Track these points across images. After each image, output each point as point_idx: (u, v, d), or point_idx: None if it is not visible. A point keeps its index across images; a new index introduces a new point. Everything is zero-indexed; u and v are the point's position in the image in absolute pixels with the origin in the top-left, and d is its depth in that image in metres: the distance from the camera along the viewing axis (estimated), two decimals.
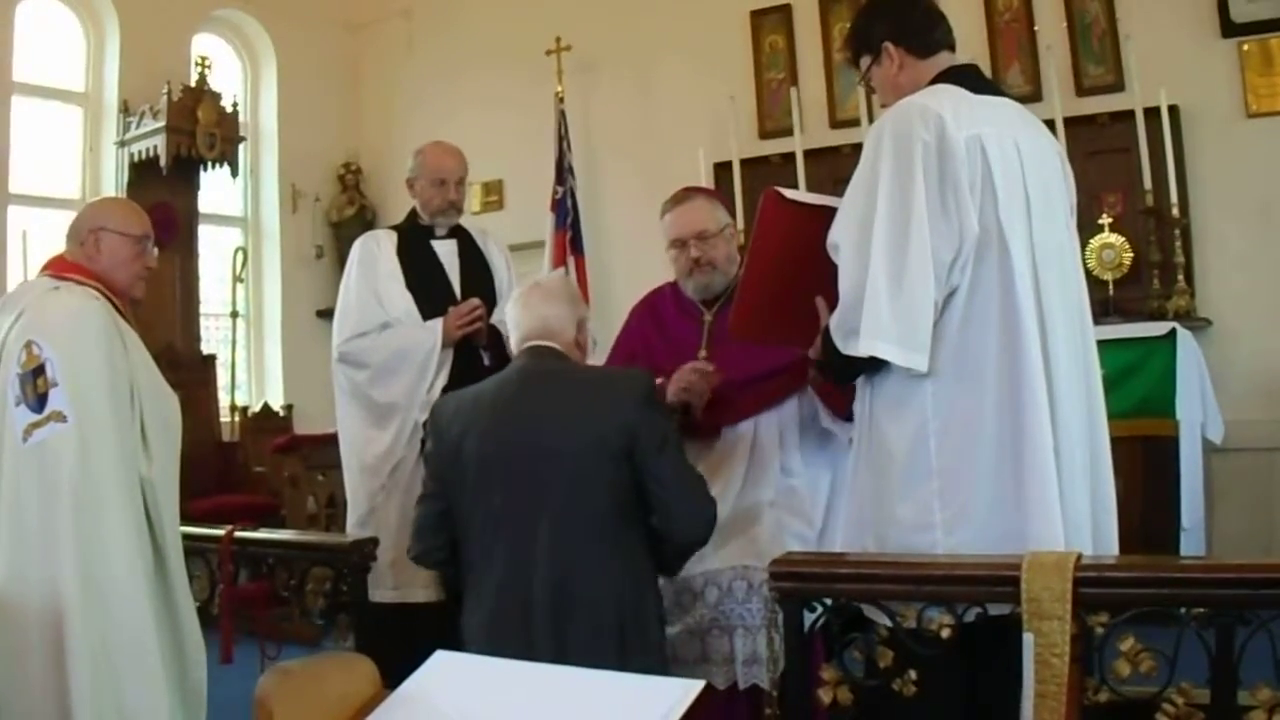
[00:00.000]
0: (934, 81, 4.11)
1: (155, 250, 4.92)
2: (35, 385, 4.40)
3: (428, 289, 6.10)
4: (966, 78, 4.17)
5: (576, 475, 4.10)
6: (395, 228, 6.46)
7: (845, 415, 4.61)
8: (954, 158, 3.82)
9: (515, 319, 4.50)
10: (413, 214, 6.37)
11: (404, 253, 6.20)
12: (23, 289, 4.84)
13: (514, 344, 4.51)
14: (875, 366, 3.92)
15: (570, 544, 4.14)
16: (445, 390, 5.67)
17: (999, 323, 3.86)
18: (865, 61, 4.31)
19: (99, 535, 4.34)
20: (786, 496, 4.89)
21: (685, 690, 1.91)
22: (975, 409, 3.86)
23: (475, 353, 5.99)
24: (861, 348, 3.79)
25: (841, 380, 4.22)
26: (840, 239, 3.95)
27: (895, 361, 3.80)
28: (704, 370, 4.84)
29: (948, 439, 3.85)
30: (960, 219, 3.82)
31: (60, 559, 4.30)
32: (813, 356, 4.23)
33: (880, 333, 3.76)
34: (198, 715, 4.64)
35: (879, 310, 3.76)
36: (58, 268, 4.74)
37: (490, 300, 6.04)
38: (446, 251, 6.26)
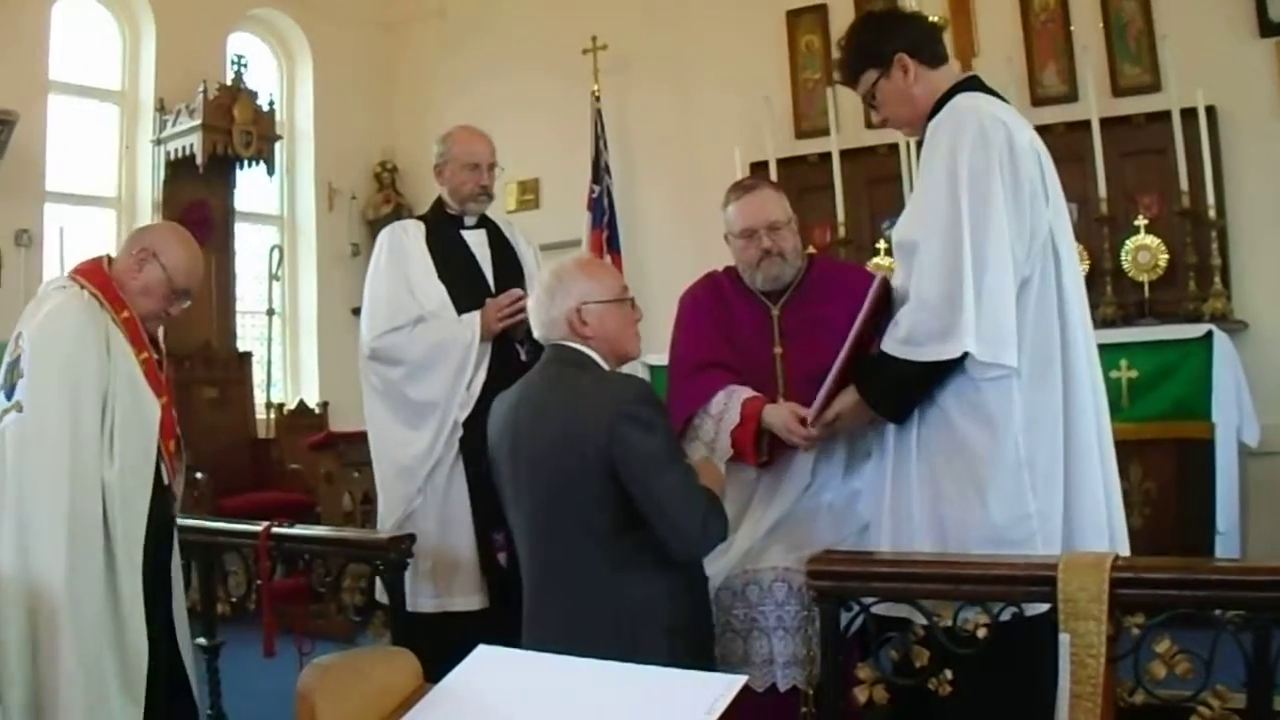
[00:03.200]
0: (953, 90, 4.17)
1: (187, 304, 4.95)
2: (11, 375, 4.57)
3: (461, 280, 5.91)
4: (984, 87, 4.24)
5: (562, 485, 4.03)
6: (421, 218, 6.28)
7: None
8: (1022, 160, 3.93)
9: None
10: (438, 204, 6.20)
11: (434, 243, 6.01)
12: (44, 285, 4.95)
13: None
14: (945, 372, 3.95)
15: (556, 553, 4.12)
16: (483, 386, 5.60)
17: (1057, 320, 3.97)
18: (871, 76, 4.33)
19: (30, 525, 4.44)
20: (849, 499, 4.81)
21: (727, 685, 1.91)
22: (1051, 402, 3.96)
23: (511, 347, 5.80)
24: (960, 347, 3.82)
25: (901, 405, 4.13)
26: (918, 237, 3.98)
27: (988, 360, 3.85)
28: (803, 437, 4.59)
29: (1031, 432, 3.92)
30: (1032, 219, 3.92)
31: (2, 543, 4.46)
32: (843, 406, 4.24)
33: (972, 331, 3.81)
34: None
35: (967, 310, 3.81)
36: (79, 269, 4.83)
37: (524, 290, 5.75)
38: (477, 241, 6.09)
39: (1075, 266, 4.13)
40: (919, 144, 6.96)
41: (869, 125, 10.57)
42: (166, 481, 4.85)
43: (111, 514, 4.53)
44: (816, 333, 4.80)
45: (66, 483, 4.44)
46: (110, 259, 4.86)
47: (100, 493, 4.51)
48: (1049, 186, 4.03)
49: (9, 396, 4.55)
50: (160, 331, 4.96)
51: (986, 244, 3.82)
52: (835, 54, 4.57)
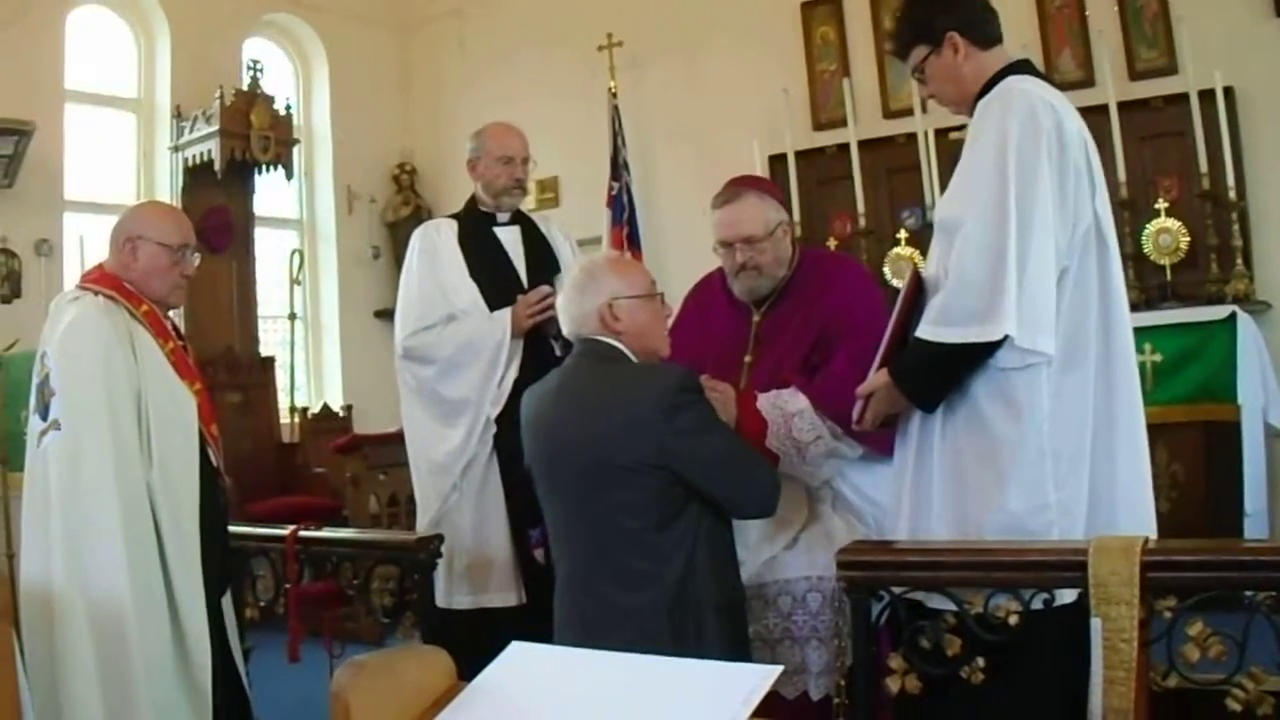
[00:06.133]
0: (1002, 73, 4.16)
1: (196, 258, 4.96)
2: (43, 394, 4.57)
3: (493, 278, 5.95)
4: (1035, 71, 4.23)
5: (606, 476, 4.02)
6: (455, 216, 6.28)
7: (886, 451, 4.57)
8: (1070, 147, 3.93)
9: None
10: (472, 201, 6.22)
11: (466, 241, 6.04)
12: (55, 301, 4.93)
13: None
14: (980, 357, 3.93)
15: (601, 544, 4.11)
16: (517, 383, 5.59)
17: (1098, 309, 3.97)
18: (921, 51, 4.31)
19: (84, 542, 4.43)
20: (862, 497, 4.84)
21: (763, 676, 1.91)
22: (1081, 393, 3.94)
23: (546, 343, 5.82)
24: (1001, 329, 3.81)
25: (933, 390, 4.10)
26: (963, 216, 3.98)
27: (1026, 345, 3.84)
28: (723, 395, 4.64)
29: (1058, 422, 3.90)
30: (1075, 208, 3.92)
31: (52, 562, 4.46)
32: (875, 385, 4.21)
33: (1014, 315, 3.80)
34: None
35: (1009, 293, 3.80)
36: (88, 277, 4.87)
37: (558, 286, 5.65)
38: (510, 238, 6.10)
39: (1118, 255, 4.12)
40: (938, 132, 6.92)
41: (886, 115, 10.58)
42: (216, 463, 4.89)
43: (160, 516, 4.54)
44: (781, 339, 4.88)
45: (116, 494, 4.45)
46: (102, 264, 4.90)
47: (148, 497, 4.53)
48: (1095, 175, 4.02)
49: (44, 416, 4.55)
50: (180, 320, 4.97)
51: (1031, 229, 3.81)
52: (890, 24, 4.56)
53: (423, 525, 5.88)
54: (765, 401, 4.69)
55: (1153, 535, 3.80)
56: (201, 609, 4.62)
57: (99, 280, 4.76)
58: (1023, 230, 3.82)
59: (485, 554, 5.75)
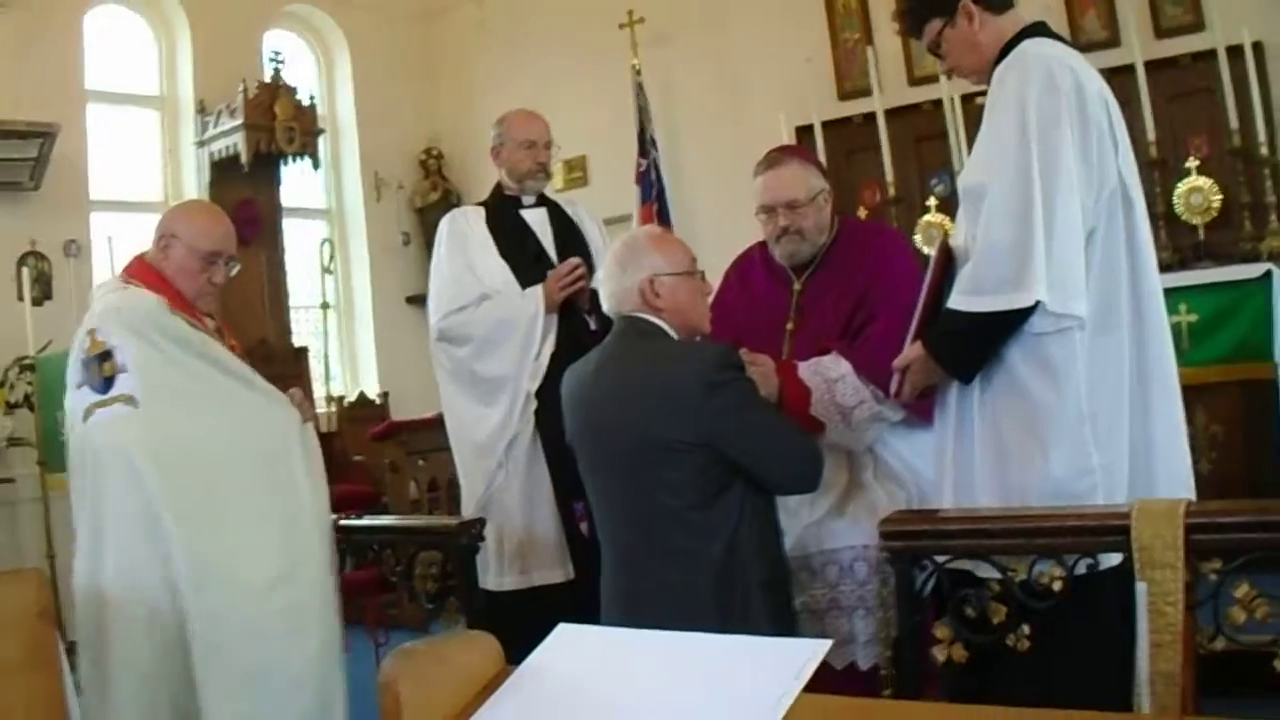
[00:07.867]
0: (1019, 36, 4.14)
1: (233, 267, 4.86)
2: (101, 369, 4.41)
3: (524, 256, 5.95)
4: (1051, 33, 4.21)
5: (649, 454, 4.03)
6: (482, 204, 6.31)
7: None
8: (1091, 108, 3.92)
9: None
10: (498, 188, 6.24)
11: (494, 225, 6.06)
12: (97, 289, 4.93)
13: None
14: (1014, 324, 3.93)
15: (645, 523, 4.12)
16: (553, 357, 5.64)
17: (1127, 269, 3.96)
18: (936, 24, 4.30)
19: (226, 514, 4.41)
20: (901, 464, 4.85)
21: (814, 650, 1.90)
22: (1116, 354, 3.94)
23: (580, 317, 5.85)
24: (1032, 296, 3.82)
25: (969, 360, 4.10)
26: (987, 184, 3.99)
27: (1059, 310, 3.84)
28: (764, 368, 4.65)
29: (1095, 385, 3.91)
30: (1100, 168, 3.91)
31: (165, 546, 4.29)
32: (910, 358, 4.21)
33: (1044, 279, 3.81)
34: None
35: (1038, 257, 3.80)
36: (130, 270, 4.81)
37: (588, 264, 5.89)
38: (537, 219, 6.12)
39: (1145, 213, 4.11)
40: (964, 98, 6.86)
41: (912, 83, 10.54)
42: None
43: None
44: (822, 306, 4.90)
45: (261, 455, 4.68)
46: (144, 255, 4.86)
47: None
48: (1118, 135, 4.01)
49: (104, 389, 4.39)
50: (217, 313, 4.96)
51: (1056, 192, 3.82)
52: (898, 3, 4.52)
53: (470, 508, 5.88)
54: (807, 369, 4.70)
55: (1191, 495, 3.81)
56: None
57: (136, 273, 4.72)
58: (1048, 193, 3.81)
59: (535, 532, 5.77)
